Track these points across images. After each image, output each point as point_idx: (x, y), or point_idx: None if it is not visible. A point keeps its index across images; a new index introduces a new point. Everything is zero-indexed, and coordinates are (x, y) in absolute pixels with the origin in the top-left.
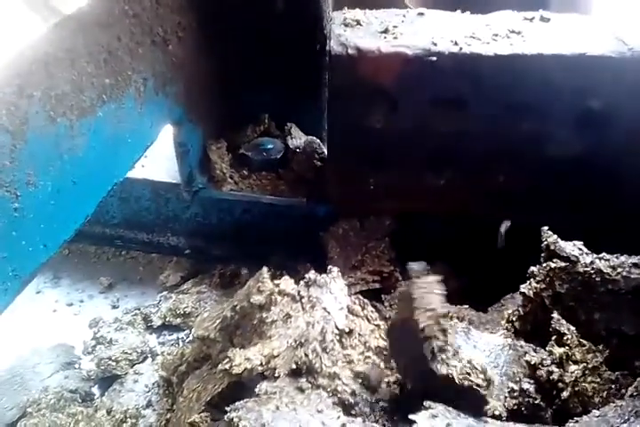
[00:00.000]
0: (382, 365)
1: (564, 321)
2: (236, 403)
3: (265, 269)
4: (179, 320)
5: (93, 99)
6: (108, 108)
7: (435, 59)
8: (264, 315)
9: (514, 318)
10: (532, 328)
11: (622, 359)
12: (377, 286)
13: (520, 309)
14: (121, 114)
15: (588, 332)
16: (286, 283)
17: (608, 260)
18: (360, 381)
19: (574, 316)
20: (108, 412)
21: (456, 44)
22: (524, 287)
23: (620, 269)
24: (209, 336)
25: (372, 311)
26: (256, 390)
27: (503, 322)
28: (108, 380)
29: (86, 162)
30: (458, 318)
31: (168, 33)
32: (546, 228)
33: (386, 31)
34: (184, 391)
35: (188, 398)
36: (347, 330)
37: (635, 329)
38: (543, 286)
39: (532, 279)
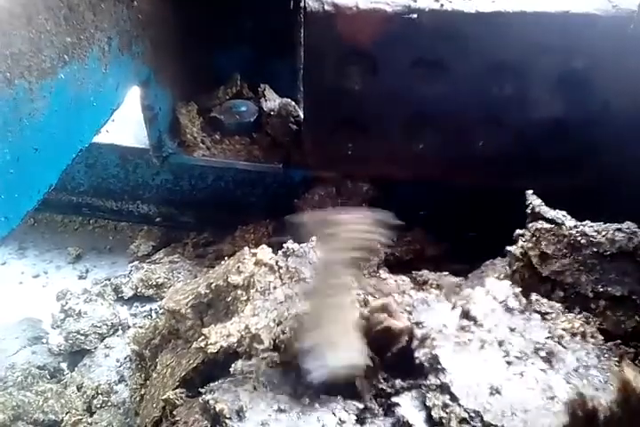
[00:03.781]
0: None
1: (544, 300)
2: (211, 384)
3: (247, 249)
4: (151, 291)
5: (54, 59)
6: (69, 69)
7: (415, 16)
8: (239, 292)
9: (502, 277)
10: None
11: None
12: None
13: (507, 267)
14: (84, 75)
15: (575, 294)
16: (264, 253)
17: (592, 226)
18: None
19: (561, 278)
20: (79, 388)
21: (437, 0)
22: (510, 247)
23: (604, 233)
24: (179, 311)
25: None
26: (231, 369)
27: None
28: (77, 354)
29: (48, 127)
30: (438, 285)
31: None
32: (530, 191)
33: None
34: (157, 366)
35: (161, 374)
36: None
37: (621, 290)
38: (530, 244)
39: (518, 240)
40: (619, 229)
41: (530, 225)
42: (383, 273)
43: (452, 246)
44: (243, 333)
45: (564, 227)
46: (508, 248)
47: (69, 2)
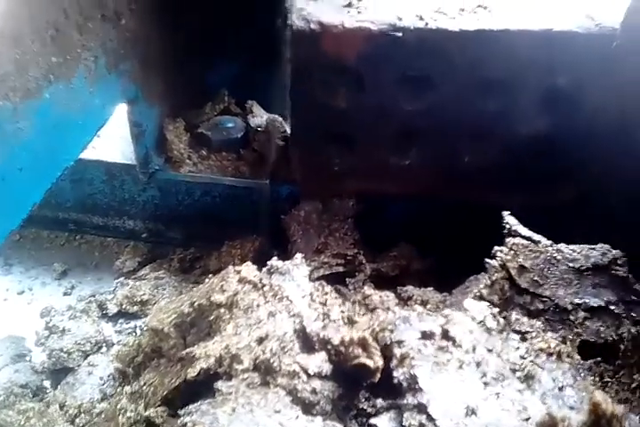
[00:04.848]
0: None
1: (524, 319)
2: (190, 406)
3: (231, 267)
4: (136, 308)
5: (39, 79)
6: (55, 89)
7: (400, 34)
8: (222, 310)
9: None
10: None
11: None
12: (341, 269)
13: (487, 278)
14: (70, 95)
15: (554, 306)
16: (248, 270)
17: (567, 246)
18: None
19: (539, 290)
20: (61, 407)
21: (422, 18)
22: (489, 260)
23: (579, 250)
24: (162, 330)
25: (335, 298)
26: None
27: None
28: (60, 372)
29: (33, 147)
30: (422, 301)
31: (119, 6)
32: (507, 213)
33: (349, 5)
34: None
35: (144, 393)
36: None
37: (599, 301)
38: (508, 257)
39: (497, 253)
40: (593, 249)
41: (507, 240)
42: (368, 289)
43: (438, 262)
44: (223, 352)
45: (540, 244)
46: (488, 260)
47: (56, 22)
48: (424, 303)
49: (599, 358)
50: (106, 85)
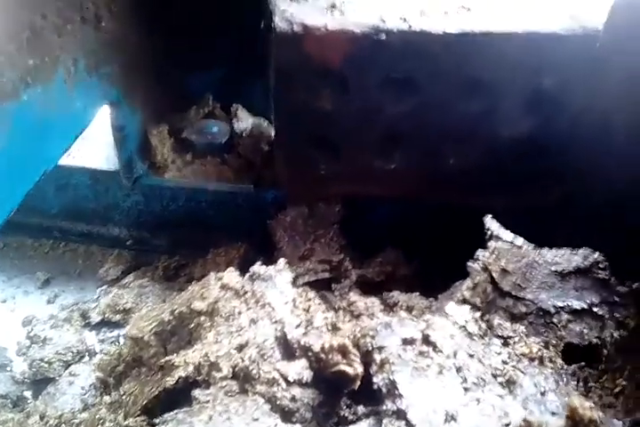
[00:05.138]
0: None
1: (507, 323)
2: (165, 415)
3: (212, 274)
4: (118, 317)
5: (15, 81)
6: (33, 92)
7: (383, 37)
8: (202, 318)
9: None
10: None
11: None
12: (327, 275)
13: (469, 280)
14: (49, 98)
15: (537, 309)
16: (230, 276)
17: (549, 250)
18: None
19: (522, 294)
20: (42, 417)
21: (405, 20)
22: (471, 263)
23: (561, 254)
24: (142, 338)
25: (318, 304)
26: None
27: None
28: (41, 383)
29: (10, 151)
30: (408, 307)
31: (99, 8)
32: (489, 217)
33: (333, 7)
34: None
35: (124, 402)
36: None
37: (581, 304)
38: (491, 260)
39: (479, 256)
40: (575, 254)
41: (489, 244)
42: (353, 295)
43: (424, 265)
44: (202, 360)
45: (522, 248)
46: (470, 264)
47: (32, 25)
48: (409, 309)
49: (583, 363)
50: (86, 88)
